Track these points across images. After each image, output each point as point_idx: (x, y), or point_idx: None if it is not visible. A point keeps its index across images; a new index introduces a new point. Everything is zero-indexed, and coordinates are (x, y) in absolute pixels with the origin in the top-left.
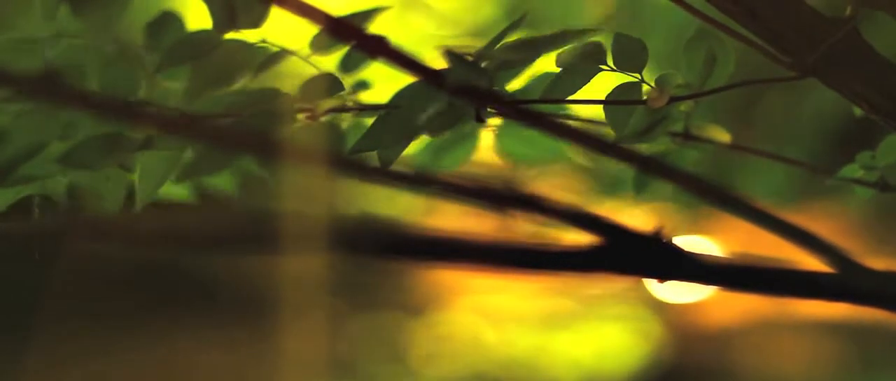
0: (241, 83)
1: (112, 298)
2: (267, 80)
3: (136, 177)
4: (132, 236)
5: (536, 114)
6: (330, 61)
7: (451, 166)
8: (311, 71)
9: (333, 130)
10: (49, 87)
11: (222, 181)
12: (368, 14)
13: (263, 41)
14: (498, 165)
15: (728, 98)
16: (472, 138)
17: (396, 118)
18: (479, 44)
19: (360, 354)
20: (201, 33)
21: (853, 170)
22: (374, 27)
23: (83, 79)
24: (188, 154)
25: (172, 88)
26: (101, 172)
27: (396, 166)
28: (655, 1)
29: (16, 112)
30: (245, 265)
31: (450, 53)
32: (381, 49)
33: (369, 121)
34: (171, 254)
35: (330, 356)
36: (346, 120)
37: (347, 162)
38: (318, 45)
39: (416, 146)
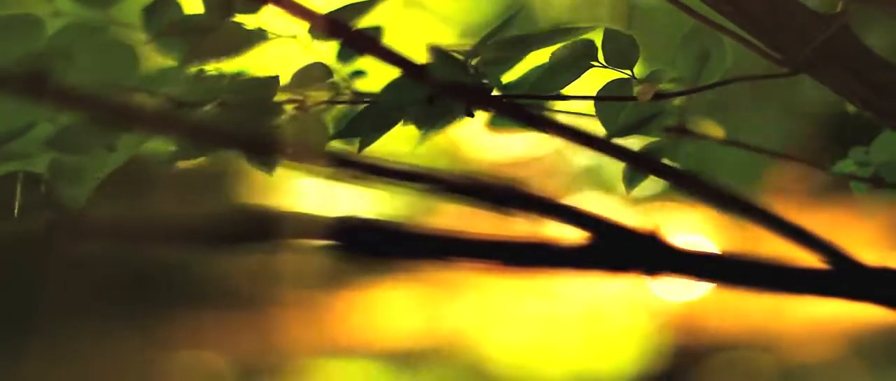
0: (236, 67)
1: (99, 296)
2: (261, 69)
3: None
4: (118, 233)
5: (527, 110)
6: (330, 48)
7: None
8: (308, 59)
9: (321, 121)
10: (35, 85)
11: None
12: (359, 9)
13: (261, 30)
14: (492, 163)
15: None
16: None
17: (379, 108)
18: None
19: (353, 351)
20: (199, 16)
21: (847, 165)
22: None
23: (74, 64)
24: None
25: (165, 69)
26: (84, 158)
27: (394, 164)
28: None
29: None
30: (236, 265)
31: (434, 50)
32: (368, 46)
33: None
34: (160, 252)
35: (322, 353)
36: (334, 111)
37: (340, 159)
38: (317, 35)
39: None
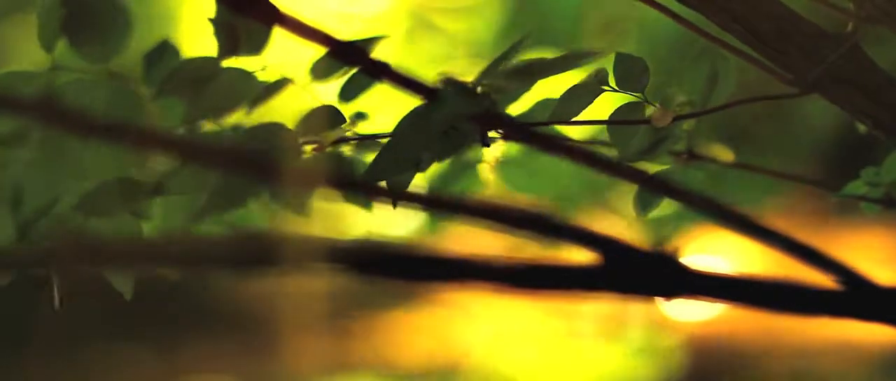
0: (242, 114)
1: (112, 319)
2: (264, 106)
3: (148, 224)
4: (131, 258)
5: (542, 136)
6: (329, 88)
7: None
8: (308, 98)
9: (340, 158)
10: (53, 112)
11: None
12: (372, 40)
13: (264, 69)
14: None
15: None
16: (475, 172)
17: (401, 145)
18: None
19: (367, 371)
20: (199, 60)
21: (858, 186)
22: (384, 48)
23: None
24: (202, 197)
25: (169, 122)
26: (113, 220)
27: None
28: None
29: (26, 162)
30: (250, 288)
31: (447, 81)
32: (385, 72)
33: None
34: (172, 276)
35: (336, 374)
36: (348, 149)
37: (357, 185)
38: (319, 72)
39: (422, 177)
